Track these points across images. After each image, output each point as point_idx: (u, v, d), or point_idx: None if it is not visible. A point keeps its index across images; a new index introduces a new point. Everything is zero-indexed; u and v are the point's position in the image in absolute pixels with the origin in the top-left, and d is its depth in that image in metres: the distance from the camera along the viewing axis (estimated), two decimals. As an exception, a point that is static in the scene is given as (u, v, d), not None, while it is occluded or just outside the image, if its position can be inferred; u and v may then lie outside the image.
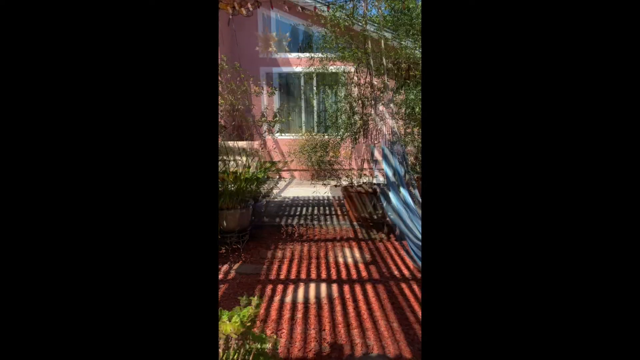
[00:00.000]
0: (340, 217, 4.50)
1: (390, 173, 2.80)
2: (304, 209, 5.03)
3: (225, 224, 3.44)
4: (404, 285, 2.73)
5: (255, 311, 1.43)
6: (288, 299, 2.52)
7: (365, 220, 4.16)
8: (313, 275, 2.92)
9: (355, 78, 4.34)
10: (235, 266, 3.13)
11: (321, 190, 4.83)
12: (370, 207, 4.10)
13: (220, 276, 2.92)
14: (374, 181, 4.29)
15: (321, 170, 4.61)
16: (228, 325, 1.34)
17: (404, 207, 2.51)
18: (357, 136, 4.34)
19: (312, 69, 4.44)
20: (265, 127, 4.84)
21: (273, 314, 2.33)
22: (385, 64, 4.25)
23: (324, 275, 2.92)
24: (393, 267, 3.09)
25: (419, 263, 2.21)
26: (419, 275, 2.91)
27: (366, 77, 4.29)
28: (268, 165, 4.15)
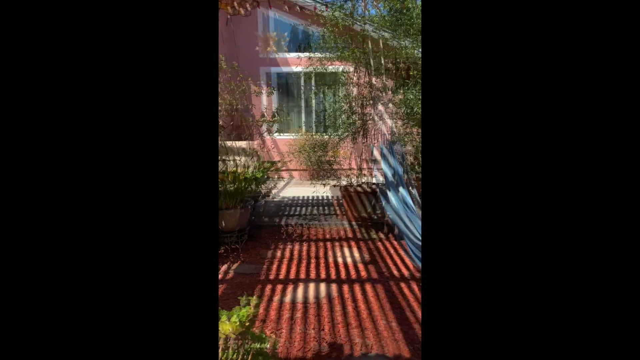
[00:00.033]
0: (340, 217, 4.50)
1: (389, 173, 2.80)
2: (303, 208, 5.03)
3: (223, 224, 3.43)
4: (403, 285, 2.73)
5: (254, 311, 1.43)
6: (287, 298, 2.52)
7: (365, 220, 4.16)
8: (312, 275, 2.92)
9: (355, 78, 4.34)
10: (234, 266, 3.13)
11: (320, 190, 4.82)
12: (370, 206, 4.10)
13: (219, 276, 2.92)
14: (374, 181, 4.29)
15: (321, 170, 4.61)
16: (227, 325, 1.34)
17: (402, 206, 2.51)
18: (356, 136, 4.34)
19: (311, 68, 4.43)
20: (265, 127, 4.84)
21: (272, 314, 2.33)
22: (384, 63, 4.25)
23: (323, 275, 2.92)
24: (392, 267, 3.09)
25: (418, 263, 2.21)
26: (417, 274, 2.91)
27: (365, 77, 4.29)
28: (268, 165, 4.15)
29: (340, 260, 3.25)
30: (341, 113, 4.40)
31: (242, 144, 6.05)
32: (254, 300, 1.51)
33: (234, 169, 3.59)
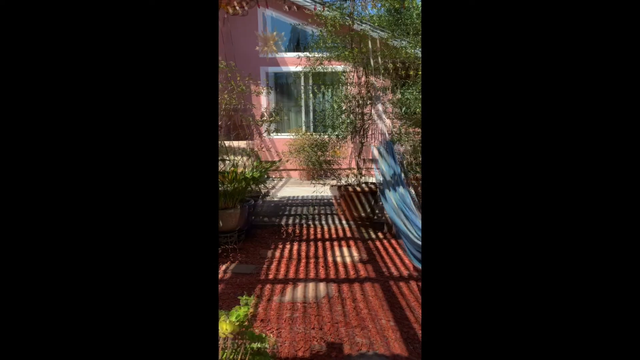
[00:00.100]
0: (340, 217, 4.50)
1: (387, 172, 2.81)
2: (303, 208, 5.03)
3: (220, 223, 3.43)
4: (402, 284, 2.73)
5: (252, 311, 1.43)
6: (286, 298, 2.52)
7: (363, 220, 4.16)
8: (312, 275, 2.92)
9: (355, 77, 4.34)
10: (232, 266, 3.13)
11: (320, 190, 4.82)
12: (369, 206, 4.10)
13: (219, 276, 2.92)
14: (373, 180, 4.29)
15: (320, 170, 4.60)
16: (225, 324, 1.34)
17: (401, 206, 2.51)
18: (355, 136, 4.34)
19: (308, 68, 4.43)
20: (265, 127, 4.83)
21: (271, 313, 2.33)
22: (383, 63, 4.25)
23: (322, 275, 2.92)
24: (392, 266, 3.09)
25: (415, 261, 2.22)
26: (416, 274, 2.91)
27: (363, 77, 4.29)
28: (268, 165, 4.15)
29: (339, 260, 3.25)
30: (341, 113, 4.40)
31: (242, 143, 6.05)
32: (251, 300, 1.51)
33: (234, 168, 3.59)
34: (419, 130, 4.40)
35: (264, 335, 1.44)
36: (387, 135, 3.15)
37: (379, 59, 4.19)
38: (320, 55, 4.32)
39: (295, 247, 3.60)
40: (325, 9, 4.34)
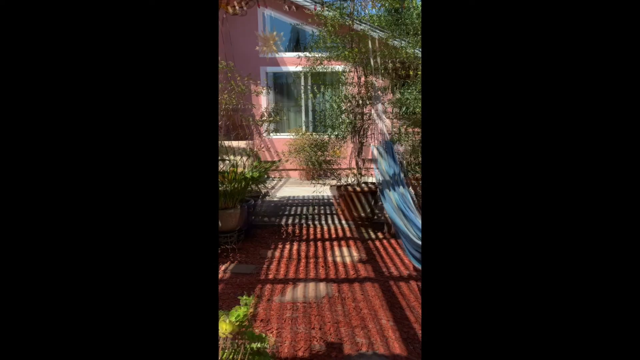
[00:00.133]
0: (340, 217, 4.50)
1: (387, 172, 2.81)
2: (303, 208, 5.03)
3: (220, 223, 3.43)
4: (402, 284, 2.73)
5: (249, 311, 1.43)
6: (286, 298, 2.52)
7: (364, 220, 4.16)
8: (311, 275, 2.92)
9: (355, 77, 4.34)
10: (232, 266, 3.13)
11: (320, 190, 4.82)
12: (369, 206, 4.10)
13: (219, 275, 2.92)
14: (373, 180, 4.29)
15: (320, 170, 4.60)
16: (224, 324, 1.34)
17: (400, 205, 2.51)
18: (355, 135, 4.34)
19: (308, 68, 4.43)
20: (265, 126, 4.83)
21: (271, 313, 2.33)
22: (383, 63, 4.25)
23: (322, 275, 2.92)
24: (391, 266, 3.09)
25: (414, 261, 2.22)
26: (414, 273, 2.92)
27: (363, 77, 4.29)
28: (268, 165, 4.15)
29: (339, 259, 3.25)
30: (341, 112, 4.40)
31: (242, 143, 6.05)
32: (251, 300, 1.51)
33: (234, 169, 3.59)
34: (419, 130, 4.40)
35: (263, 335, 1.44)
36: (386, 135, 3.15)
37: (379, 59, 4.19)
38: (320, 55, 4.32)
39: (295, 247, 3.60)
40: (325, 8, 4.34)
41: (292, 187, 6.59)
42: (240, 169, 3.74)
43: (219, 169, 3.71)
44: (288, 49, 7.76)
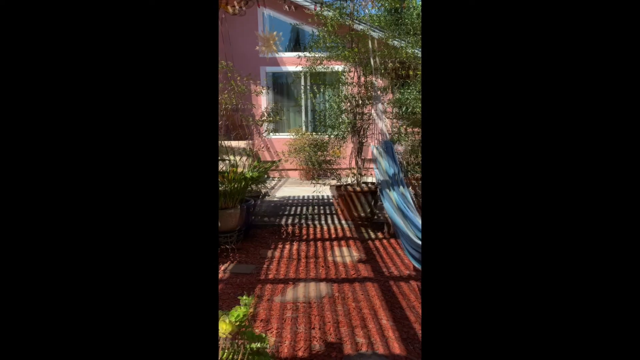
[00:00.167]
0: (340, 217, 4.50)
1: (387, 172, 2.81)
2: (303, 208, 5.03)
3: (220, 223, 3.43)
4: (402, 284, 2.73)
5: (249, 311, 1.43)
6: (286, 298, 2.52)
7: (364, 219, 4.16)
8: (312, 275, 2.92)
9: (355, 77, 4.34)
10: (232, 266, 3.13)
11: (320, 190, 4.82)
12: (369, 206, 4.10)
13: (219, 275, 2.92)
14: (373, 180, 4.29)
15: (320, 170, 4.60)
16: (224, 324, 1.34)
17: (399, 205, 2.51)
18: (355, 135, 4.34)
19: (309, 68, 4.43)
20: (265, 126, 4.83)
21: (271, 313, 2.33)
22: (384, 63, 4.25)
23: (322, 275, 2.92)
24: (391, 266, 3.09)
25: (413, 260, 2.22)
26: (413, 273, 2.91)
27: (364, 77, 4.29)
28: (268, 165, 4.15)
29: (339, 259, 3.25)
30: (341, 112, 4.40)
31: (242, 143, 6.05)
32: (251, 300, 1.51)
33: (234, 168, 3.59)
34: (419, 130, 4.40)
35: (263, 335, 1.44)
36: (387, 135, 3.15)
37: (379, 59, 4.19)
38: (320, 55, 4.32)
39: (295, 247, 3.60)
40: (325, 8, 4.34)
41: (292, 187, 6.59)
42: (240, 169, 3.74)
43: (220, 169, 3.71)
44: (288, 49, 7.76)
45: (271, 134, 7.30)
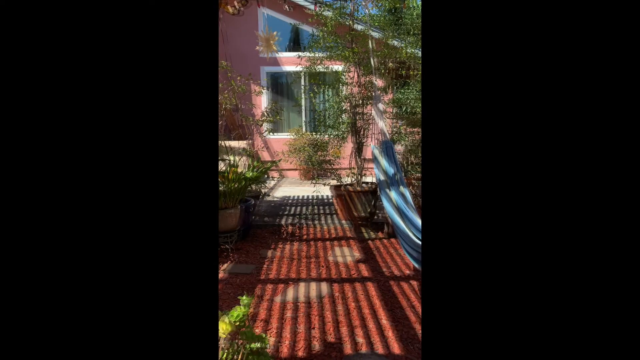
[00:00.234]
0: (340, 216, 4.50)
1: (387, 171, 2.81)
2: (303, 208, 5.03)
3: (220, 224, 3.43)
4: (402, 284, 2.73)
5: (249, 311, 1.43)
6: (287, 298, 2.52)
7: (364, 219, 4.16)
8: (312, 275, 2.92)
9: (356, 77, 4.34)
10: (231, 266, 3.12)
11: (320, 190, 4.82)
12: (369, 205, 4.10)
13: (220, 275, 2.92)
14: (373, 180, 4.29)
15: (320, 170, 4.60)
16: (223, 325, 1.34)
17: (398, 205, 2.51)
18: (355, 135, 4.34)
19: (309, 68, 4.43)
20: (265, 126, 4.82)
21: (271, 313, 2.33)
22: (381, 63, 4.25)
23: (322, 275, 2.92)
24: (392, 265, 3.09)
25: (412, 260, 2.22)
26: (410, 273, 2.91)
27: (364, 77, 4.29)
28: (268, 164, 4.14)
29: (340, 259, 3.25)
30: (341, 112, 4.40)
31: (242, 143, 6.05)
32: (251, 300, 1.51)
33: (234, 168, 3.58)
34: (418, 130, 4.40)
35: (263, 335, 1.44)
36: (386, 135, 3.14)
37: (379, 59, 4.19)
38: (320, 55, 4.31)
39: (296, 246, 3.60)
40: (325, 8, 4.34)
41: (292, 187, 6.59)
42: (240, 169, 3.74)
43: (220, 169, 3.70)
44: (288, 49, 7.76)
45: (271, 133, 7.30)
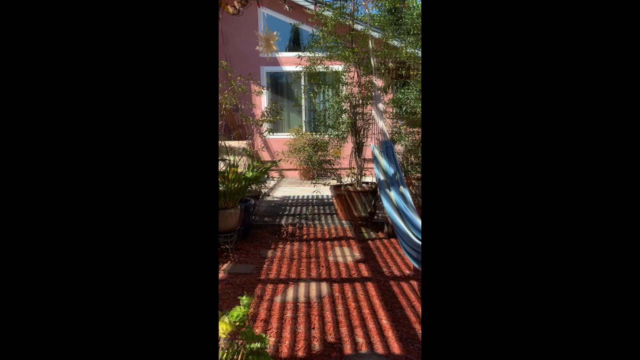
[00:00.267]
0: (340, 216, 4.50)
1: (387, 171, 2.81)
2: (303, 208, 5.03)
3: (220, 224, 3.42)
4: (402, 284, 2.73)
5: (249, 311, 1.43)
6: (287, 298, 2.52)
7: (364, 219, 4.16)
8: (312, 275, 2.92)
9: (356, 77, 4.33)
10: (231, 266, 3.12)
11: (320, 190, 4.82)
12: (369, 205, 4.10)
13: (220, 275, 2.92)
14: (373, 180, 4.29)
15: (320, 169, 4.60)
16: (223, 325, 1.34)
17: (398, 205, 2.51)
18: (355, 135, 4.34)
19: (309, 68, 4.43)
20: (265, 126, 4.82)
21: (271, 313, 2.33)
22: (381, 63, 4.25)
23: (322, 275, 2.92)
24: (392, 265, 3.09)
25: (412, 260, 2.22)
26: (409, 273, 2.91)
27: (364, 77, 4.29)
28: (268, 164, 4.14)
29: (340, 259, 3.25)
30: (341, 112, 4.39)
31: (242, 143, 6.05)
32: (251, 300, 1.51)
33: (234, 168, 3.58)
34: (418, 130, 4.39)
35: (263, 335, 1.44)
36: (387, 135, 3.14)
37: (378, 59, 4.19)
38: (320, 55, 4.31)
39: (296, 246, 3.60)
40: (325, 8, 4.34)
41: (292, 187, 6.58)
42: (240, 169, 3.74)
43: (220, 169, 3.70)
44: (288, 49, 7.76)
45: (271, 133, 7.30)
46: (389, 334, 2.09)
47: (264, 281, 2.81)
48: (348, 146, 4.53)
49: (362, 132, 4.34)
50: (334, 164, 4.62)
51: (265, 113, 4.51)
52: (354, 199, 4.09)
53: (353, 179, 4.48)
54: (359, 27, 4.53)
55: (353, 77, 4.36)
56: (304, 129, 7.55)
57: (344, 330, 2.13)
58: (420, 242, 2.10)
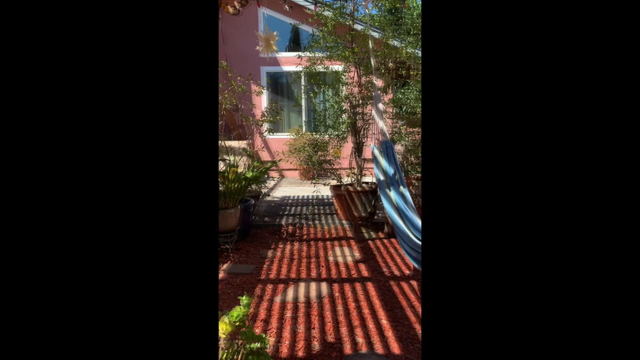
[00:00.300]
0: (340, 216, 4.50)
1: (387, 171, 2.81)
2: (303, 208, 5.03)
3: (220, 224, 3.42)
4: (402, 284, 2.73)
5: (247, 311, 1.43)
6: (287, 298, 2.52)
7: (364, 219, 4.16)
8: (312, 275, 2.92)
9: (356, 77, 4.33)
10: (231, 266, 3.12)
11: (320, 190, 4.82)
12: (369, 205, 4.10)
13: (220, 275, 2.92)
14: (373, 180, 4.29)
15: (320, 169, 4.60)
16: (223, 325, 1.34)
17: (398, 205, 2.51)
18: (355, 135, 4.34)
19: (309, 68, 4.43)
20: (265, 126, 4.82)
21: (271, 313, 2.33)
22: (380, 62, 4.25)
23: (322, 275, 2.92)
24: (392, 265, 3.09)
25: (412, 260, 2.22)
26: (408, 273, 2.91)
27: (363, 76, 4.29)
28: (268, 164, 4.14)
29: (340, 259, 3.25)
30: (341, 112, 4.39)
31: (242, 143, 6.04)
32: (251, 300, 1.51)
33: (234, 168, 3.58)
34: (418, 130, 4.39)
35: (263, 335, 1.44)
36: (386, 135, 3.14)
37: (378, 59, 4.19)
38: (320, 55, 4.31)
39: (296, 246, 3.60)
40: (325, 8, 4.34)
41: (292, 187, 6.59)
42: (240, 169, 3.74)
43: (220, 169, 3.70)
44: (288, 49, 7.76)
45: (271, 133, 7.30)
46: (389, 334, 2.09)
47: (264, 281, 2.81)
48: (348, 146, 4.53)
49: (362, 132, 4.34)
50: (333, 164, 4.62)
51: (265, 113, 4.51)
52: (354, 199, 4.09)
53: (353, 179, 4.48)
54: (358, 27, 4.53)
55: (353, 77, 4.36)
56: (303, 129, 7.55)
57: (343, 330, 2.13)
58: (420, 242, 2.10)
